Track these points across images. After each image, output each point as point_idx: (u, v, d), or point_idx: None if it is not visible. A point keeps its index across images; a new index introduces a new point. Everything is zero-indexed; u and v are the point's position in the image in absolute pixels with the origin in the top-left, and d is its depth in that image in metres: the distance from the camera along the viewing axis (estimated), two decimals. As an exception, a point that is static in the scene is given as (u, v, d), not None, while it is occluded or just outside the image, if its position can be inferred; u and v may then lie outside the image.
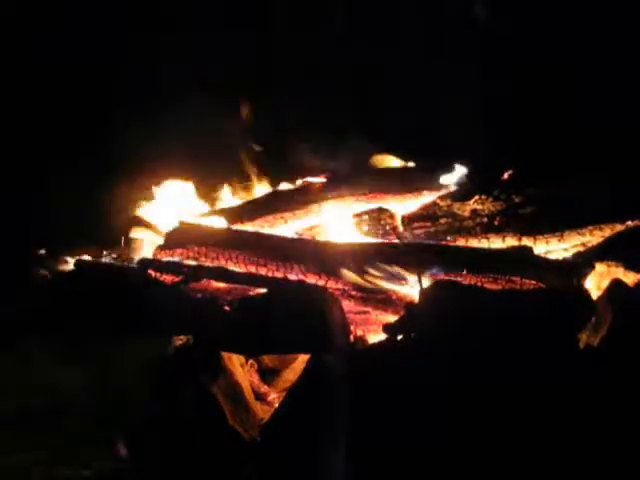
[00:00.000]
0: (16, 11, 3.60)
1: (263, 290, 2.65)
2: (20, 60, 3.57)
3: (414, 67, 3.89)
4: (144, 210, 3.35)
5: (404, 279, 2.67)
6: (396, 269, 2.66)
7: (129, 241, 3.22)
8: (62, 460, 2.10)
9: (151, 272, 2.88)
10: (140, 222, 3.23)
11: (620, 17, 3.61)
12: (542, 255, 2.85)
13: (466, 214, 3.14)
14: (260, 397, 2.57)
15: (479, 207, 3.15)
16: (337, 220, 3.26)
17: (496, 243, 2.96)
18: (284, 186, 3.65)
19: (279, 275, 2.76)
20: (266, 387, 2.63)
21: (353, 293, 2.68)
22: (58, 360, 2.33)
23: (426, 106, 3.84)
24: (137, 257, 3.09)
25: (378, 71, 3.93)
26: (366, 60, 3.93)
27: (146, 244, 3.19)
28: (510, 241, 2.93)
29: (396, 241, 3.05)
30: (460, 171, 3.43)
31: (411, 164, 3.74)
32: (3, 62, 3.48)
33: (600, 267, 2.60)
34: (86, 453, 2.13)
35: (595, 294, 2.43)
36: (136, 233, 3.24)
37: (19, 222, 3.15)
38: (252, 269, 2.82)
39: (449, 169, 3.46)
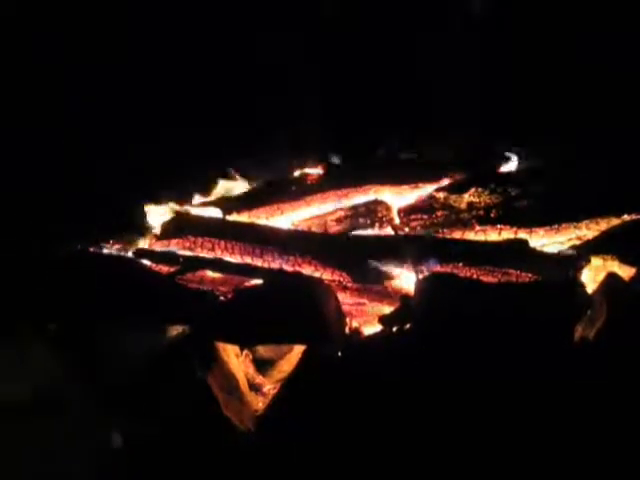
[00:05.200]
0: (16, 11, 3.57)
1: (259, 281, 2.65)
2: (20, 60, 3.54)
3: (413, 55, 3.87)
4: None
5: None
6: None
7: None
8: (61, 451, 2.10)
9: (146, 262, 2.88)
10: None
11: (622, 10, 3.60)
12: (538, 248, 2.85)
13: (462, 206, 3.14)
14: (255, 388, 2.57)
15: (475, 200, 3.15)
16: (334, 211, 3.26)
17: (492, 236, 2.96)
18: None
19: (275, 266, 2.76)
20: (261, 378, 2.63)
21: (349, 285, 2.69)
22: (52, 350, 2.33)
23: (424, 97, 3.83)
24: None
25: (377, 58, 3.91)
26: (367, 48, 3.91)
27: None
28: (506, 234, 2.93)
29: (392, 233, 3.05)
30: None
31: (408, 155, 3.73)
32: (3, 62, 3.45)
33: (596, 261, 2.60)
34: (82, 443, 2.13)
35: (591, 288, 2.43)
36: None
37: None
38: (248, 260, 2.81)
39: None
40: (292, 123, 3.74)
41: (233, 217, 3.22)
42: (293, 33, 3.80)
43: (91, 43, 3.58)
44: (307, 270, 2.71)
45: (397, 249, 2.74)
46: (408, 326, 2.28)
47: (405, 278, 2.71)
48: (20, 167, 3.20)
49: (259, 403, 2.47)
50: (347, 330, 2.47)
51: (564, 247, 2.89)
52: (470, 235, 2.99)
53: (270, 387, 2.59)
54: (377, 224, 3.14)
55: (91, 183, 3.25)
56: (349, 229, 3.13)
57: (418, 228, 3.08)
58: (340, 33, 3.91)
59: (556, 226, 2.91)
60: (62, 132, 3.39)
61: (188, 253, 2.90)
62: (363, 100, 3.85)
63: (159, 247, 2.98)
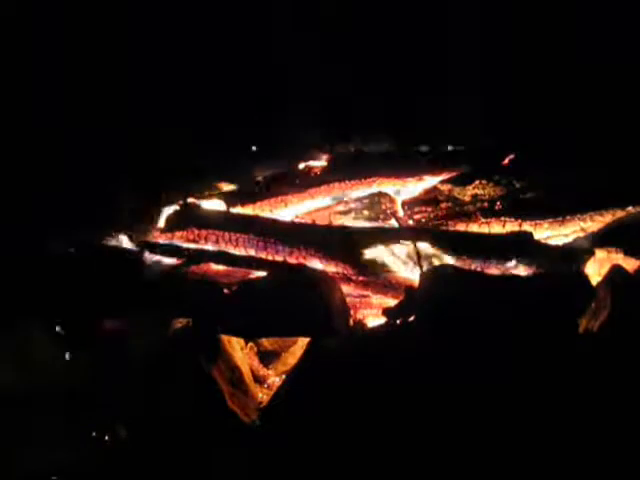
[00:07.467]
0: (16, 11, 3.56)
1: (263, 273, 2.65)
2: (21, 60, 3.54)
3: (416, 52, 3.86)
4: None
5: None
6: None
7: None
8: (62, 442, 2.11)
9: (151, 255, 2.88)
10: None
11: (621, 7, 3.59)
12: (542, 240, 2.85)
13: (467, 199, 3.13)
14: (260, 380, 2.58)
15: (480, 192, 3.15)
16: (337, 204, 3.26)
17: (496, 228, 2.96)
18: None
19: (279, 258, 2.76)
20: (266, 370, 2.65)
21: (353, 277, 2.69)
22: (56, 343, 2.34)
23: (428, 91, 3.82)
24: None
25: (382, 57, 3.90)
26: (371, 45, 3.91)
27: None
28: (510, 226, 2.93)
29: (396, 225, 3.05)
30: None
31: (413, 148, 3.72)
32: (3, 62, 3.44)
33: (600, 253, 2.60)
34: (86, 434, 2.14)
35: (595, 280, 2.43)
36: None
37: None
38: (252, 252, 2.82)
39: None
40: (295, 121, 3.74)
41: (237, 210, 3.22)
42: (295, 33, 3.80)
43: (96, 43, 3.58)
44: (311, 262, 2.71)
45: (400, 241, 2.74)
46: (412, 318, 2.29)
47: (409, 270, 2.71)
48: (21, 166, 3.21)
49: (264, 395, 2.48)
50: (351, 322, 2.47)
51: (569, 239, 2.88)
52: (474, 227, 2.98)
53: (274, 379, 2.60)
54: (381, 217, 3.14)
55: (94, 179, 3.26)
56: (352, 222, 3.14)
57: (422, 220, 3.08)
58: (340, 33, 3.91)
59: (561, 218, 2.91)
60: (65, 131, 3.39)
61: (192, 246, 2.90)
62: (364, 97, 3.84)
63: (163, 240, 2.98)
